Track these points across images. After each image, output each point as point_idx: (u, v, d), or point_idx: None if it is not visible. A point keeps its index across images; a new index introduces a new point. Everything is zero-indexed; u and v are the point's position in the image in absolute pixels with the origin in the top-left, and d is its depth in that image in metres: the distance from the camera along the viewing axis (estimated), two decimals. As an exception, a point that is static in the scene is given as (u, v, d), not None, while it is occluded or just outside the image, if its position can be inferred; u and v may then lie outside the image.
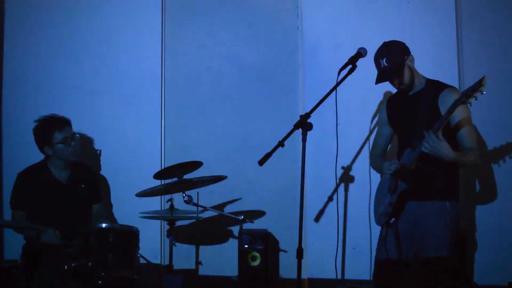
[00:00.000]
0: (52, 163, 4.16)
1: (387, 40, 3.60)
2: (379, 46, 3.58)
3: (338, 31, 4.55)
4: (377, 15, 4.45)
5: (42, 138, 4.10)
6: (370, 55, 3.51)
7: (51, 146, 4.09)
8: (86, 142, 4.66)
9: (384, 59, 3.49)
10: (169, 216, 4.10)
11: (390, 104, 3.77)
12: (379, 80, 3.52)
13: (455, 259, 3.48)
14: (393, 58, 3.48)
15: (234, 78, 4.75)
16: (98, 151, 4.69)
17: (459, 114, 3.35)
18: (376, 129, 4.01)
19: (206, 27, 4.78)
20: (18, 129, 4.64)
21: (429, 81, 3.58)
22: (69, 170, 4.21)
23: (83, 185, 4.23)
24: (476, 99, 3.16)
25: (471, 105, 3.21)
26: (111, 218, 4.58)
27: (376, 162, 3.81)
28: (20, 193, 4.10)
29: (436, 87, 3.52)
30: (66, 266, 3.48)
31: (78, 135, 4.21)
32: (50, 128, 4.08)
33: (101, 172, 4.67)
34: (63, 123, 4.12)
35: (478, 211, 4.13)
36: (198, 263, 4.46)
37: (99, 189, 4.41)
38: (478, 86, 3.13)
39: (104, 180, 4.67)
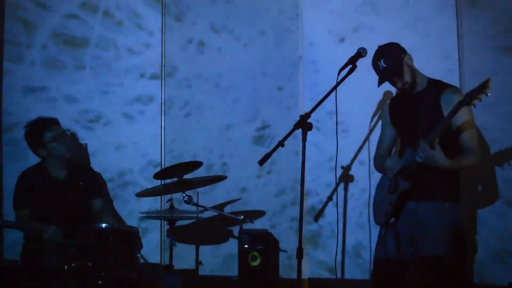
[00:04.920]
0: (48, 163, 4.19)
1: (387, 40, 3.59)
2: (378, 46, 3.57)
3: (337, 31, 4.54)
4: (377, 14, 4.44)
5: (34, 141, 4.14)
6: (370, 55, 3.50)
7: (44, 147, 4.12)
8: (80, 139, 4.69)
9: (382, 60, 3.45)
10: (169, 216, 4.10)
11: (392, 105, 3.74)
12: (380, 81, 3.49)
13: (454, 259, 3.47)
14: (390, 58, 3.45)
15: (234, 78, 4.75)
16: (84, 145, 4.69)
17: (461, 116, 3.31)
18: (380, 130, 3.97)
19: (206, 26, 4.78)
20: (18, 131, 4.63)
21: (431, 81, 3.55)
22: (66, 169, 4.22)
23: (80, 183, 4.24)
24: (480, 101, 3.11)
25: (475, 107, 3.17)
26: (115, 215, 4.58)
27: (381, 163, 3.78)
28: (22, 192, 4.13)
29: (438, 87, 3.49)
30: (66, 266, 3.48)
31: (68, 132, 4.25)
32: (39, 129, 4.11)
33: (102, 172, 4.66)
34: (50, 123, 4.16)
35: (478, 211, 4.12)
36: (198, 263, 4.45)
37: (97, 185, 4.41)
38: (482, 88, 3.07)
39: (100, 178, 4.65)
